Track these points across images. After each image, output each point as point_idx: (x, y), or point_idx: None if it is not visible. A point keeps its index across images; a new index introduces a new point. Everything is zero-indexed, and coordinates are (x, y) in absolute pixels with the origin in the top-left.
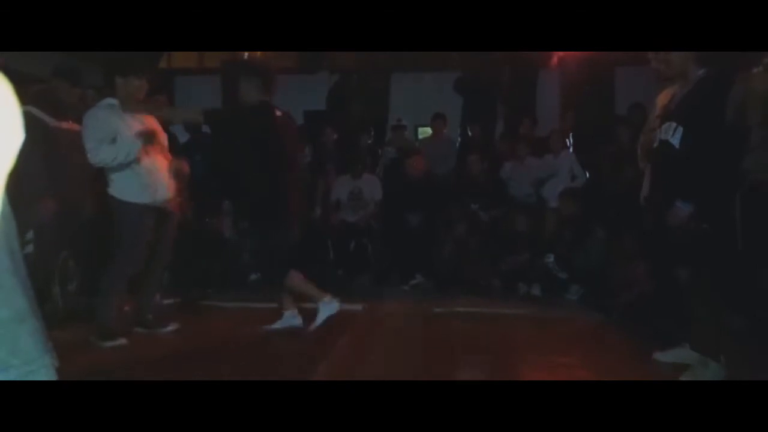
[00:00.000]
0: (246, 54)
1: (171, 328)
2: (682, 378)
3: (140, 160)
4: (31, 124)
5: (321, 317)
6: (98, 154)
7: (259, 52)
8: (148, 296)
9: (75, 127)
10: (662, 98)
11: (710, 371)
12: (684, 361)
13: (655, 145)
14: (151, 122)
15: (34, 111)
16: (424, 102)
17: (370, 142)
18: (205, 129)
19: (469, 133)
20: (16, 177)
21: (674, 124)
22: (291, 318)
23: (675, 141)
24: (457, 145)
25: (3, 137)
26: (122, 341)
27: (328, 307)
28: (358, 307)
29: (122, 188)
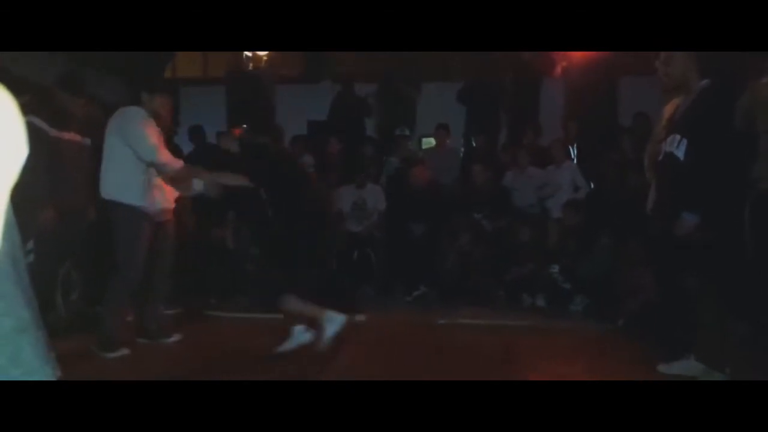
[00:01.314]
0: (250, 65)
1: (174, 338)
2: None
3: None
4: (31, 134)
5: (328, 334)
6: (160, 154)
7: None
8: (151, 306)
9: (76, 137)
10: (668, 109)
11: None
12: (689, 373)
13: (661, 157)
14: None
15: (35, 121)
16: (427, 112)
17: (373, 152)
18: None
19: (473, 144)
20: (16, 187)
21: (678, 136)
22: (301, 334)
23: (680, 153)
24: (461, 155)
25: (8, 151)
26: (124, 351)
27: (333, 323)
28: (361, 318)
29: (120, 190)
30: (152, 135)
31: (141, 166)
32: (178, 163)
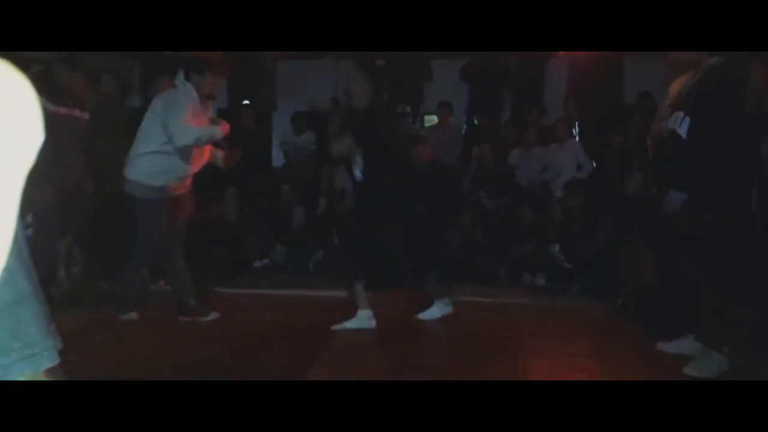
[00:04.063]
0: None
1: (212, 317)
2: (686, 369)
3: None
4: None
5: (432, 314)
6: (189, 134)
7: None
8: (183, 283)
9: (74, 111)
10: (673, 87)
11: (714, 362)
12: (687, 352)
13: (665, 135)
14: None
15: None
16: (429, 89)
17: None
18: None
19: (475, 122)
20: None
21: (682, 114)
22: (366, 319)
23: (682, 131)
24: (464, 133)
25: (26, 136)
26: (133, 316)
27: (442, 308)
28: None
29: (145, 173)
30: (190, 118)
31: (169, 148)
32: (217, 134)
